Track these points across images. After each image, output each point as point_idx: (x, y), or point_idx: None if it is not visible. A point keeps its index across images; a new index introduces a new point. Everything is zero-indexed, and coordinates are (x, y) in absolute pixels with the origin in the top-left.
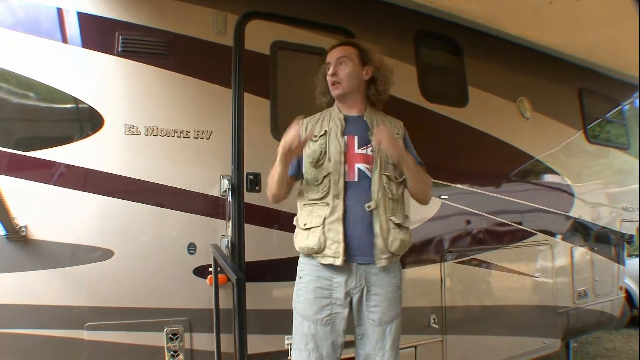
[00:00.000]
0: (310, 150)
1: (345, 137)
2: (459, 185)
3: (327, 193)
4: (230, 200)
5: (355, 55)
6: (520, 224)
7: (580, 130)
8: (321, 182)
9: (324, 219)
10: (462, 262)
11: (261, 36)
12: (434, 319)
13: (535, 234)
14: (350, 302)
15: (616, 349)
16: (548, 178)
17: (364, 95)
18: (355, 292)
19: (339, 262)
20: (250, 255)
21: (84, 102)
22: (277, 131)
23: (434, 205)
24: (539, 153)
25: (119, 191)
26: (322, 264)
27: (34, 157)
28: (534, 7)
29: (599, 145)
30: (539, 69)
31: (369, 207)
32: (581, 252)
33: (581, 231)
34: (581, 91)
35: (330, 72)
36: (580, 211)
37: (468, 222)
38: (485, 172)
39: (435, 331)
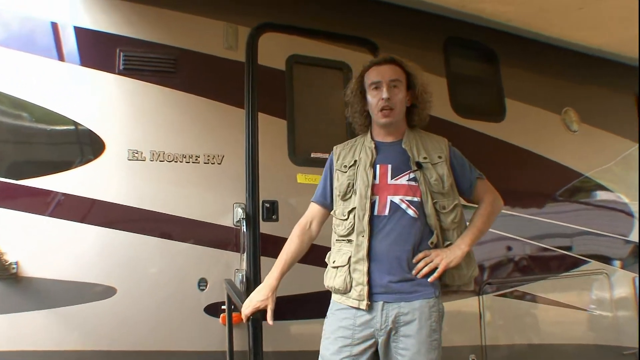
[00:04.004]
0: (338, 183)
1: (378, 166)
2: None
3: (352, 230)
4: (245, 230)
5: (404, 78)
6: (569, 249)
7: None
8: (347, 218)
9: (349, 257)
10: (504, 295)
11: (276, 50)
12: (473, 359)
13: (589, 261)
14: (377, 345)
15: None
16: (601, 197)
17: (405, 121)
18: (380, 333)
19: (363, 305)
20: None
21: (82, 125)
22: (296, 154)
23: None
24: (589, 169)
25: (122, 222)
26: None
27: (28, 186)
28: (579, 5)
29: None
30: (587, 74)
31: (432, 243)
32: None
33: None
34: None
35: (384, 95)
36: None
37: (509, 249)
38: (527, 192)
39: None
